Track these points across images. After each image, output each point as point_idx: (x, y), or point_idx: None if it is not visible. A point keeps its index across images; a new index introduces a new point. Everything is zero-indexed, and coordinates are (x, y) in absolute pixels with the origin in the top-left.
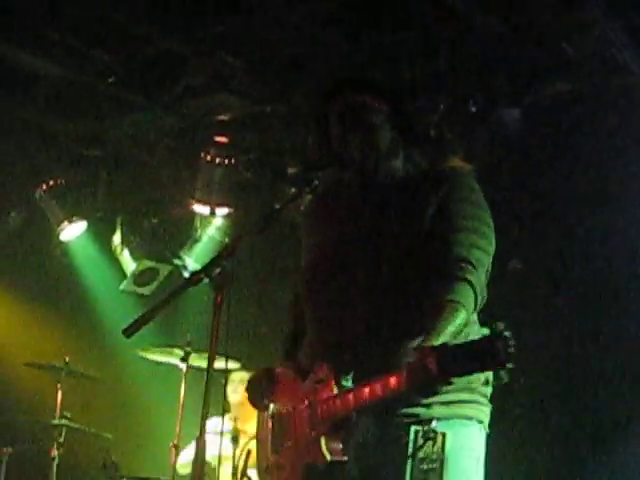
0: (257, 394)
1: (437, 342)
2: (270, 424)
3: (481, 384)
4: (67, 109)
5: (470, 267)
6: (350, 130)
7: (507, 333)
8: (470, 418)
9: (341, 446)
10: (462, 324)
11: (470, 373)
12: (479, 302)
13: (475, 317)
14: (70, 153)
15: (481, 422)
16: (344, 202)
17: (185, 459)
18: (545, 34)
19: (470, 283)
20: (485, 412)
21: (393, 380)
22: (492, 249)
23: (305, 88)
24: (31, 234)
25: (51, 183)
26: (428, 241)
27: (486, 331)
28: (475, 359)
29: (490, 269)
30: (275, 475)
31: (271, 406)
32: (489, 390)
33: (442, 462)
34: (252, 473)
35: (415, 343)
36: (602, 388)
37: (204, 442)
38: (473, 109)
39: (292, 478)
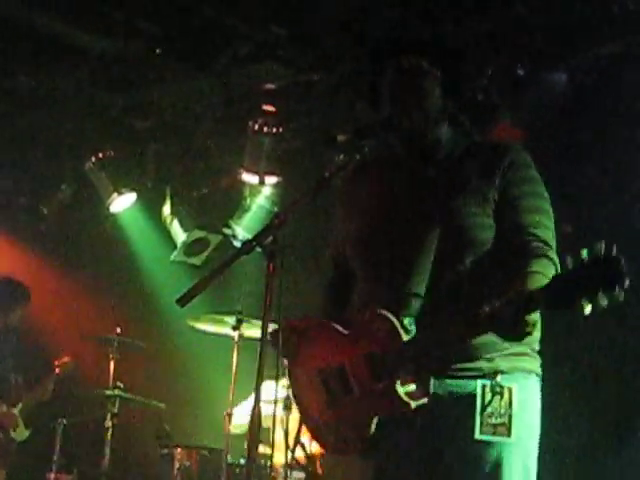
0: (289, 346)
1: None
2: (319, 380)
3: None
4: (115, 81)
5: (550, 249)
6: (401, 94)
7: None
8: (530, 371)
9: (417, 387)
10: None
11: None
12: None
13: None
14: (118, 125)
15: (538, 375)
16: (395, 169)
17: (236, 419)
18: None
19: (552, 260)
20: (539, 364)
21: (488, 309)
22: None
23: (352, 55)
24: (81, 207)
25: (100, 155)
26: (498, 216)
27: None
28: (591, 284)
29: None
30: (334, 430)
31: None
32: (537, 339)
33: (510, 416)
34: (304, 440)
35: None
36: None
37: (259, 410)
38: (521, 72)
39: (356, 431)
